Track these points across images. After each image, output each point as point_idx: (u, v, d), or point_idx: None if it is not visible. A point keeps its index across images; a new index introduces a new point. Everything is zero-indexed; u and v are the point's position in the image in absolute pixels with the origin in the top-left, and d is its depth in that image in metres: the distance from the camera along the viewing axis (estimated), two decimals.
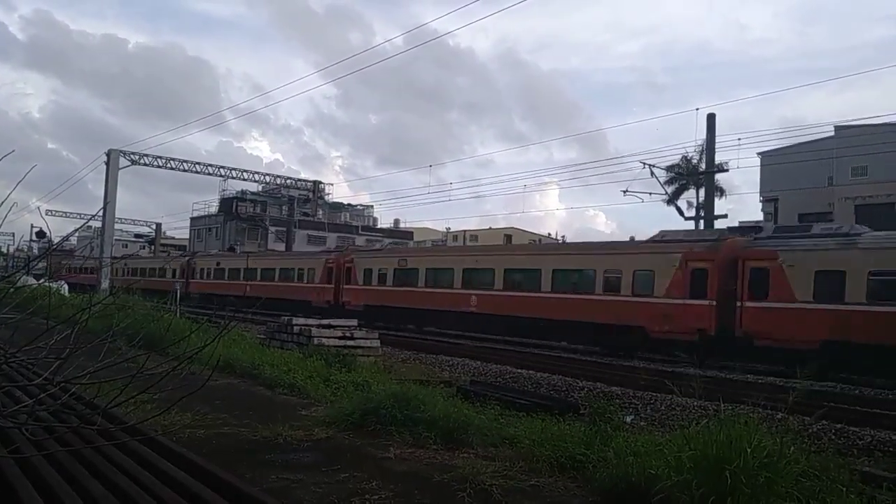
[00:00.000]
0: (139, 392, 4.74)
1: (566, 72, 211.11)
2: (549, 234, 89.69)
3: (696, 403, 10.09)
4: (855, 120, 47.88)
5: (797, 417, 8.45)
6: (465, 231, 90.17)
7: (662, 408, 11.72)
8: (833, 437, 9.42)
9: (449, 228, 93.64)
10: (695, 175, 40.77)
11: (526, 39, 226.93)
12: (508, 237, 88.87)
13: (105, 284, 37.07)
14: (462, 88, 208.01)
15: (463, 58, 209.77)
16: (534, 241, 72.38)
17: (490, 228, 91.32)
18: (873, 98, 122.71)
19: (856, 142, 40.33)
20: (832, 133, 44.65)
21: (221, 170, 51.58)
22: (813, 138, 45.26)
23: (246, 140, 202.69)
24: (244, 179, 54.16)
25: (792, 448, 4.93)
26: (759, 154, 47.92)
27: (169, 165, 48.22)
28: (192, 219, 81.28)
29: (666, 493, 4.67)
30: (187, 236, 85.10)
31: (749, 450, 4.58)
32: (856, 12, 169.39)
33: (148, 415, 5.23)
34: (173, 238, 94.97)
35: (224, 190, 71.13)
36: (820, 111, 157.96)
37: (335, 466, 5.72)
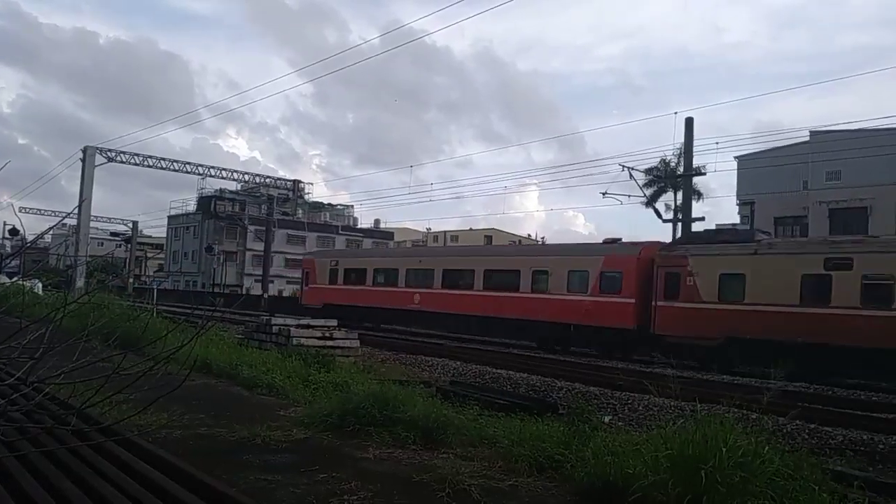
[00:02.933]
0: (115, 392, 4.70)
1: (546, 73, 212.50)
2: (529, 236, 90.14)
3: (672, 404, 10.19)
4: (830, 125, 48.67)
5: (772, 417, 8.58)
6: (445, 232, 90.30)
7: (640, 408, 11.82)
8: (806, 436, 9.56)
9: (430, 229, 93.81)
10: (673, 178, 41.19)
11: (505, 41, 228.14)
12: (489, 238, 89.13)
13: (80, 283, 36.48)
14: (440, 87, 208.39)
15: (440, 56, 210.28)
16: (513, 242, 72.64)
17: (471, 229, 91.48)
18: (848, 104, 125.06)
19: (830, 147, 41.01)
20: (807, 138, 45.35)
21: (199, 168, 51.05)
22: (789, 143, 46.02)
23: (222, 137, 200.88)
24: (222, 178, 53.66)
25: (766, 448, 5.00)
26: (735, 158, 48.55)
27: (146, 163, 47.65)
28: (170, 217, 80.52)
29: (643, 493, 4.72)
30: (164, 235, 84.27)
31: (724, 449, 4.64)
32: (832, 19, 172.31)
33: (123, 415, 5.17)
34: (150, 237, 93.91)
35: (202, 188, 70.59)
36: (796, 116, 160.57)
37: (314, 467, 5.70)
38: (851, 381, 16.99)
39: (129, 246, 77.90)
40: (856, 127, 39.85)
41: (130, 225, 79.19)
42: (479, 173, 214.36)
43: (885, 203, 42.75)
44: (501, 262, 27.76)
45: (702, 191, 44.14)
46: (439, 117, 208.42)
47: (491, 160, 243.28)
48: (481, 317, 26.35)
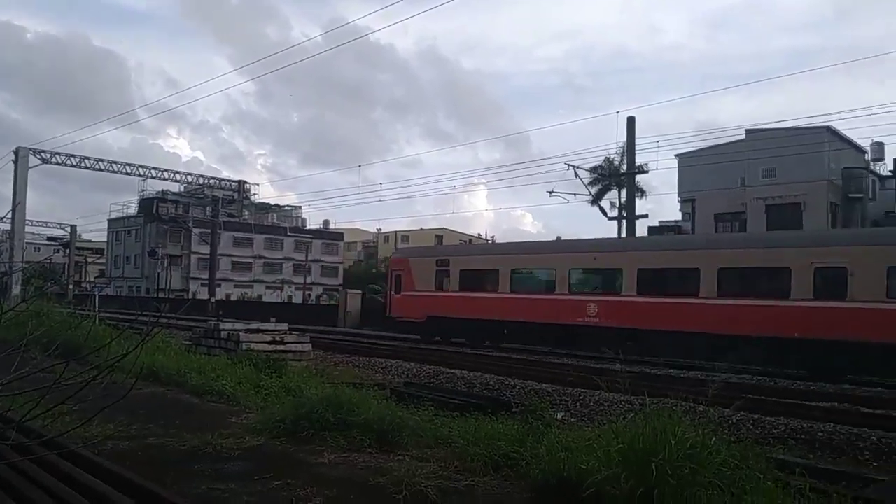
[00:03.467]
0: (57, 404, 4.52)
1: (490, 72, 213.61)
2: (480, 235, 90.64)
3: (622, 398, 10.41)
4: (764, 124, 50.55)
5: (717, 409, 8.79)
6: (396, 232, 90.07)
7: (591, 403, 12.02)
8: (751, 427, 9.89)
9: (380, 230, 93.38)
10: (617, 176, 42.06)
11: (449, 39, 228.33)
12: (439, 238, 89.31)
13: (16, 290, 34.99)
14: (385, 86, 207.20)
15: (385, 54, 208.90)
16: (464, 241, 72.92)
17: (421, 229, 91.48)
18: (781, 103, 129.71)
19: (765, 145, 42.60)
20: (743, 136, 46.98)
21: (140, 169, 49.57)
22: (726, 141, 47.59)
23: (162, 137, 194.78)
24: (164, 179, 52.19)
25: (713, 439, 5.15)
26: (676, 156, 49.94)
27: (83, 164, 45.99)
28: (110, 220, 78.07)
29: (597, 487, 4.81)
30: (105, 239, 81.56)
31: (673, 442, 4.76)
32: (764, 21, 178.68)
33: (67, 427, 4.97)
34: (90, 241, 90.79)
35: (143, 190, 68.64)
36: (732, 115, 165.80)
37: (268, 474, 5.61)
38: (791, 371, 17.68)
39: (67, 251, 75.02)
40: (789, 125, 41.54)
41: (68, 229, 76.24)
42: (427, 173, 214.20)
43: (817, 199, 44.66)
44: (757, 256, 19.11)
45: (645, 188, 45.22)
46: (385, 116, 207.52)
47: (439, 159, 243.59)
48: (715, 335, 18.50)
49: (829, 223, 44.09)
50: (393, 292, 28.27)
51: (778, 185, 45.99)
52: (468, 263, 26.44)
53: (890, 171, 46.65)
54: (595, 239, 26.65)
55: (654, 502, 4.47)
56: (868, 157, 49.76)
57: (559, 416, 9.62)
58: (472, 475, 5.78)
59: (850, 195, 46.62)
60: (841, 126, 45.78)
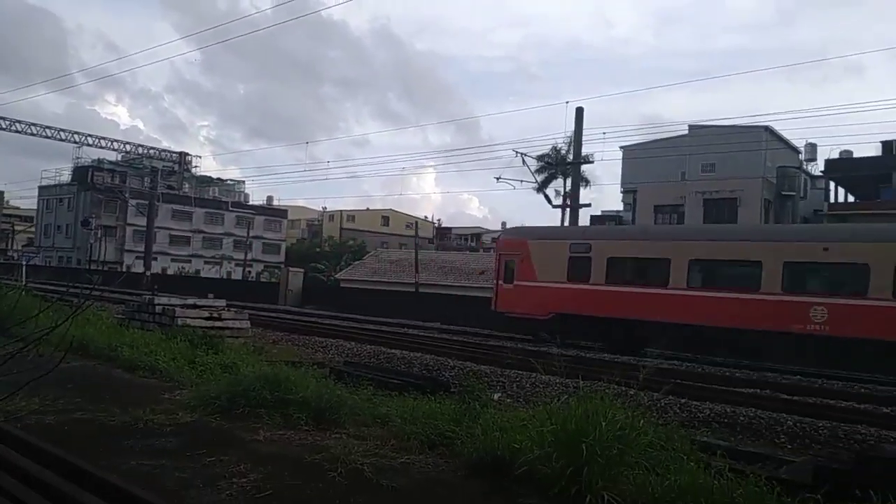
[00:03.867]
0: None
1: (443, 55, 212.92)
2: (426, 217, 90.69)
3: (558, 381, 10.65)
4: (707, 120, 52.05)
5: (647, 393, 9.16)
6: (341, 211, 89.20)
7: (528, 385, 12.25)
8: (678, 410, 10.28)
9: (325, 208, 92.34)
10: (563, 165, 42.63)
11: (403, 19, 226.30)
12: (386, 219, 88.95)
13: None
14: (336, 62, 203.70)
15: (337, 30, 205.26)
16: (411, 224, 72.72)
17: (368, 209, 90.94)
18: (724, 101, 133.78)
19: (706, 140, 43.94)
20: (686, 132, 48.32)
21: (75, 135, 47.59)
22: (670, 135, 48.89)
23: (100, 103, 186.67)
24: (101, 147, 50.33)
25: (642, 421, 5.37)
26: (621, 148, 51.04)
27: (13, 128, 43.87)
28: (41, 188, 74.70)
29: (529, 466, 4.95)
30: (35, 207, 78.04)
31: (604, 423, 4.95)
32: (711, 20, 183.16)
33: None
34: (18, 208, 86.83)
35: (78, 157, 65.93)
36: (677, 110, 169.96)
37: (201, 451, 5.54)
38: (718, 358, 18.40)
39: None
40: (729, 123, 42.94)
41: None
42: (376, 153, 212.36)
43: (752, 194, 46.43)
44: None
45: (589, 178, 45.93)
46: (335, 93, 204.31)
47: (388, 140, 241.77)
48: None
49: (761, 218, 45.88)
50: (502, 282, 22.58)
51: (716, 180, 47.56)
52: (621, 250, 20.98)
53: (821, 171, 48.77)
54: (823, 226, 23.41)
55: (583, 481, 4.63)
56: (802, 156, 51.88)
57: (496, 396, 9.79)
58: (408, 453, 5.85)
59: (784, 193, 48.54)
60: (778, 126, 47.55)
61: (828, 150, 55.79)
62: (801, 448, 8.76)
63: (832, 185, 47.18)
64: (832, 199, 46.88)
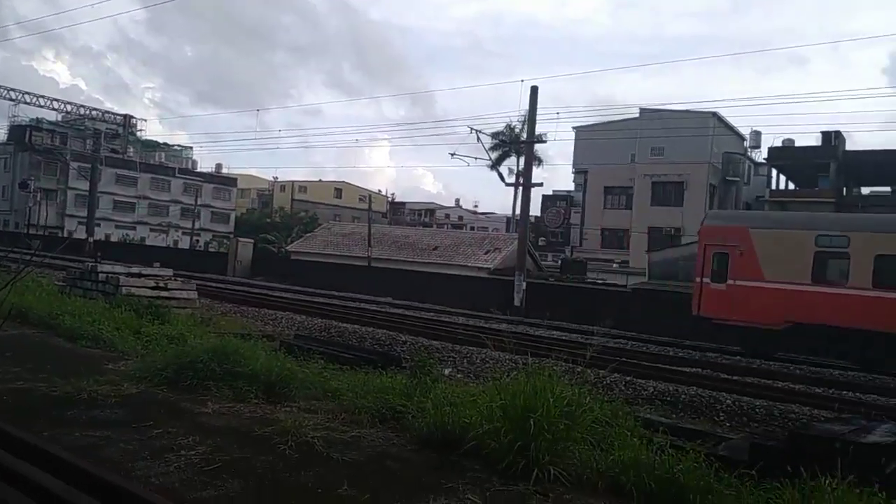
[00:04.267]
0: None
1: (399, 26, 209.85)
2: (380, 191, 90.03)
3: (508, 357, 10.82)
4: (658, 104, 52.94)
5: (594, 371, 9.36)
6: (293, 182, 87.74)
7: (478, 361, 12.42)
8: (623, 388, 10.60)
9: (276, 178, 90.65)
10: (517, 143, 42.80)
11: None
12: (339, 191, 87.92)
13: None
14: (288, 28, 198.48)
15: None
16: (364, 197, 72.18)
17: (320, 181, 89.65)
18: (674, 85, 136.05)
19: (656, 124, 44.74)
20: (637, 115, 49.05)
21: (12, 93, 45.29)
22: (621, 118, 49.58)
23: (37, 59, 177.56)
24: (40, 106, 48.04)
25: (588, 398, 5.51)
26: (574, 128, 51.49)
27: None
28: None
29: (478, 440, 5.04)
30: None
31: (551, 399, 5.06)
32: (665, 5, 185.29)
33: None
34: None
35: (14, 116, 62.86)
36: (629, 93, 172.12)
37: (147, 423, 5.45)
38: (662, 338, 18.96)
39: None
40: (680, 108, 43.75)
41: None
42: (329, 124, 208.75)
43: (698, 178, 47.63)
44: None
45: (542, 158, 46.29)
46: (287, 60, 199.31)
47: (341, 111, 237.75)
48: None
49: (706, 203, 47.10)
50: (708, 280, 18.07)
51: (664, 164, 48.55)
52: None
53: (764, 158, 50.25)
54: None
55: (530, 455, 4.75)
56: (747, 143, 53.32)
57: (446, 371, 9.90)
58: (359, 427, 5.88)
59: (728, 178, 49.90)
60: (725, 113, 48.67)
61: (771, 138, 57.35)
62: (739, 426, 9.15)
63: (774, 172, 48.68)
64: (773, 186, 48.42)
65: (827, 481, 4.05)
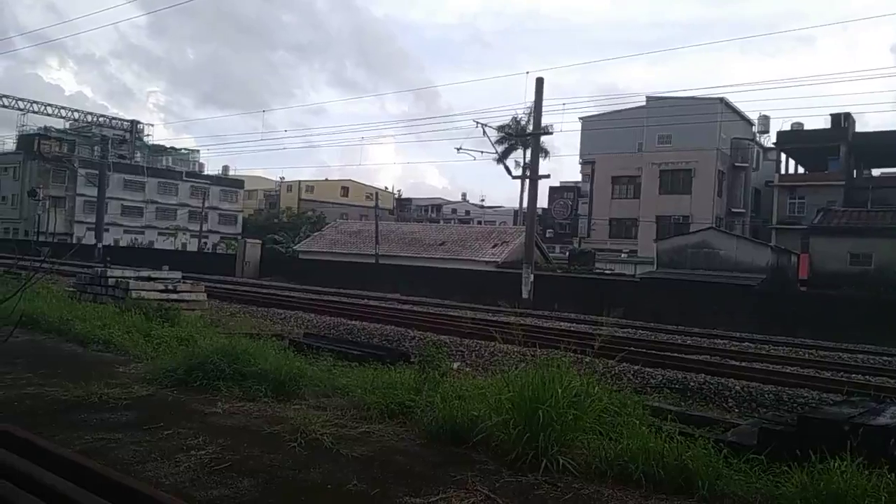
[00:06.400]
0: None
1: (401, 21, 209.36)
2: (386, 188, 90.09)
3: (516, 349, 10.82)
4: (664, 91, 52.61)
5: (602, 360, 9.37)
6: (300, 182, 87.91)
7: (486, 354, 12.41)
8: (631, 377, 10.57)
9: (283, 178, 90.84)
10: (523, 136, 42.68)
11: None
12: (345, 189, 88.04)
13: None
14: (290, 27, 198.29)
15: None
16: (371, 195, 72.19)
17: (326, 180, 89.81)
18: (680, 72, 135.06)
19: (662, 112, 44.44)
20: (644, 103, 48.76)
21: (19, 102, 45.55)
22: (627, 107, 49.30)
23: (42, 68, 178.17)
24: (47, 114, 48.25)
25: (596, 388, 5.51)
26: (580, 119, 51.22)
27: None
28: None
29: (487, 433, 5.05)
30: None
31: (560, 390, 5.06)
32: None
33: None
34: None
35: (23, 125, 63.26)
36: (634, 81, 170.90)
37: (157, 424, 5.49)
38: (670, 327, 18.90)
39: None
40: (686, 94, 43.46)
41: None
42: (333, 122, 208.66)
43: (707, 166, 47.32)
44: None
45: (548, 149, 46.19)
46: (289, 59, 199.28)
47: (345, 109, 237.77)
48: None
49: (714, 190, 46.85)
50: None
51: (672, 152, 48.24)
52: None
53: (773, 143, 49.88)
54: None
55: (539, 447, 4.75)
56: (755, 128, 52.94)
57: (455, 365, 9.91)
58: (368, 423, 5.89)
59: (737, 164, 49.59)
60: (733, 98, 48.33)
61: (780, 123, 56.92)
62: (748, 412, 9.11)
63: (783, 156, 48.32)
64: (783, 171, 48.08)
65: (836, 464, 4.04)
